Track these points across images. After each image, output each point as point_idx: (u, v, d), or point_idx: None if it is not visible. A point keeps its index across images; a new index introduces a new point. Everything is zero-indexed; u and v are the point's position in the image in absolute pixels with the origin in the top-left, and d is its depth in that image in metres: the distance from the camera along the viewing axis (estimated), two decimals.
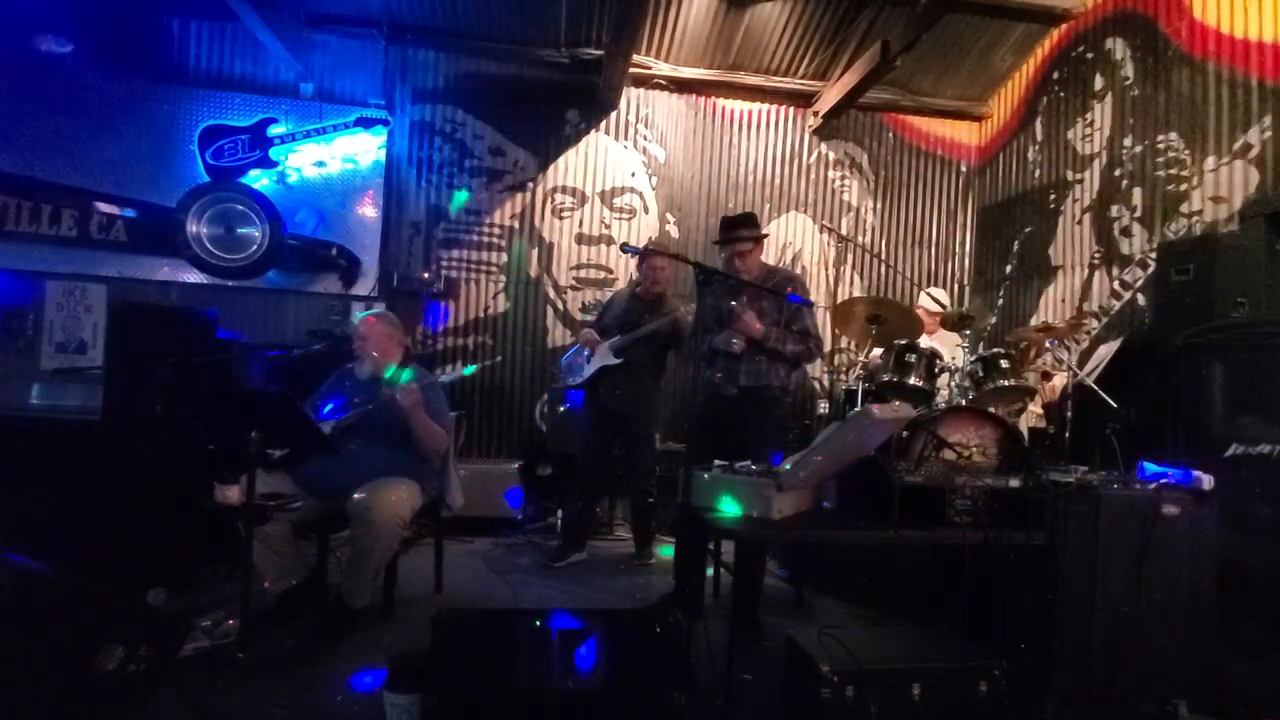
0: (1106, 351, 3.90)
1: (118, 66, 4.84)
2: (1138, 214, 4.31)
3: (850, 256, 5.82)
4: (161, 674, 2.14)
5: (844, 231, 5.73)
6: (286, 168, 4.99)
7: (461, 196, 5.28)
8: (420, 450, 2.98)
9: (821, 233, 5.72)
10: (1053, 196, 5.02)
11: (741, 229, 3.22)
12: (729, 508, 2.35)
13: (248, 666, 2.33)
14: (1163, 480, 2.42)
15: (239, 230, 4.68)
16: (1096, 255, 4.60)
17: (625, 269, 5.41)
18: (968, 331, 3.62)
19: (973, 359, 3.32)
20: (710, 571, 3.40)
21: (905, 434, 2.64)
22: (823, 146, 5.77)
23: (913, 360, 3.27)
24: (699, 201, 5.60)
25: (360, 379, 3.09)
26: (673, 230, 5.55)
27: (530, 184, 5.40)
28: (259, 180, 4.93)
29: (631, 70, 5.08)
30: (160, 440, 3.07)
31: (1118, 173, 4.47)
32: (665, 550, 4.17)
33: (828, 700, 1.99)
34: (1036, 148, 5.23)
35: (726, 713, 2.19)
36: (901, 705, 2.04)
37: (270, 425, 2.48)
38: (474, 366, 3.06)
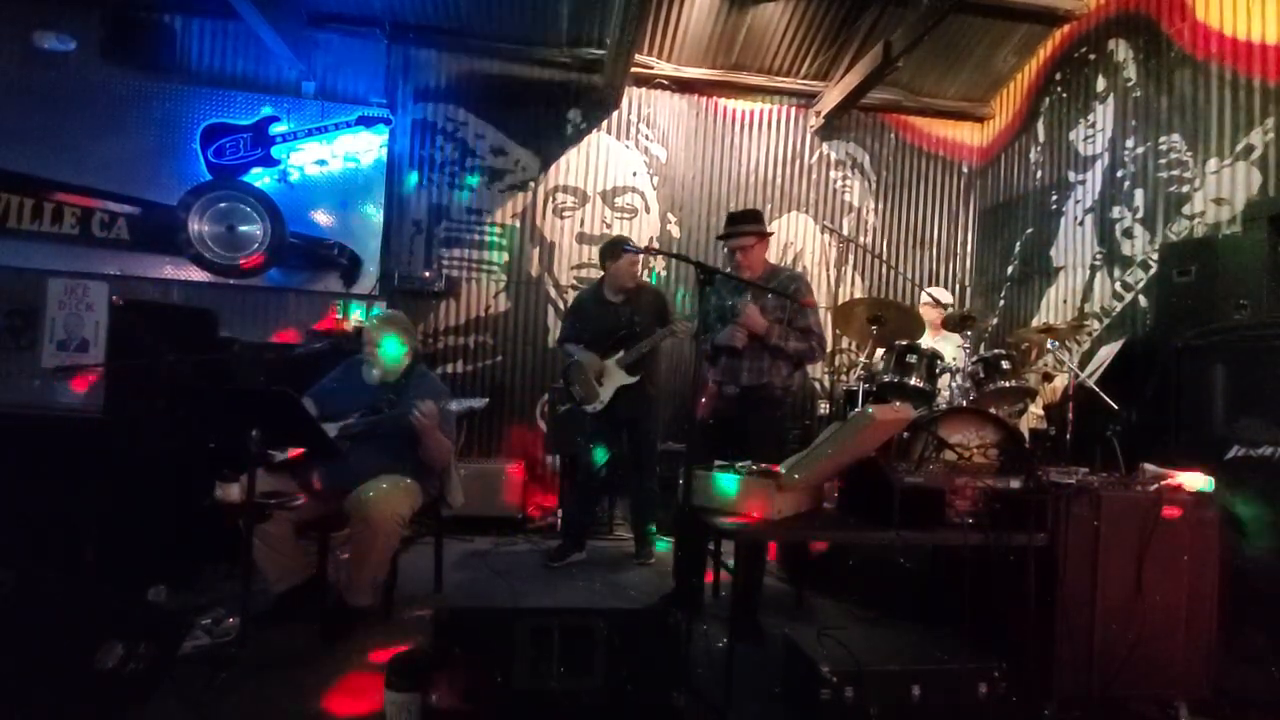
0: (1108, 353, 3.90)
1: (120, 64, 4.85)
2: (1139, 215, 4.30)
3: (852, 257, 5.82)
4: (161, 672, 2.14)
5: (845, 232, 5.72)
6: (288, 166, 4.99)
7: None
8: (426, 460, 2.98)
9: (823, 233, 5.72)
10: (1054, 197, 5.02)
11: (745, 224, 3.22)
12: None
13: (248, 664, 2.33)
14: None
15: (240, 228, 4.68)
16: (1098, 256, 4.59)
17: None
18: (969, 332, 3.62)
19: (974, 360, 3.32)
20: (710, 571, 3.40)
21: (906, 435, 2.64)
22: (824, 147, 5.76)
23: (914, 361, 3.27)
24: (700, 201, 5.60)
25: (368, 382, 3.06)
26: (674, 230, 5.55)
27: (532, 183, 5.40)
28: (261, 179, 4.93)
29: (633, 70, 5.08)
30: (161, 438, 3.07)
31: (1120, 174, 4.47)
32: (663, 545, 4.19)
33: (827, 701, 1.99)
34: (1038, 149, 5.22)
35: (726, 713, 2.19)
36: (901, 706, 2.04)
37: (272, 424, 2.48)
38: (485, 400, 3.03)
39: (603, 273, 3.97)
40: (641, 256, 3.84)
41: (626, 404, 3.88)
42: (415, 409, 2.78)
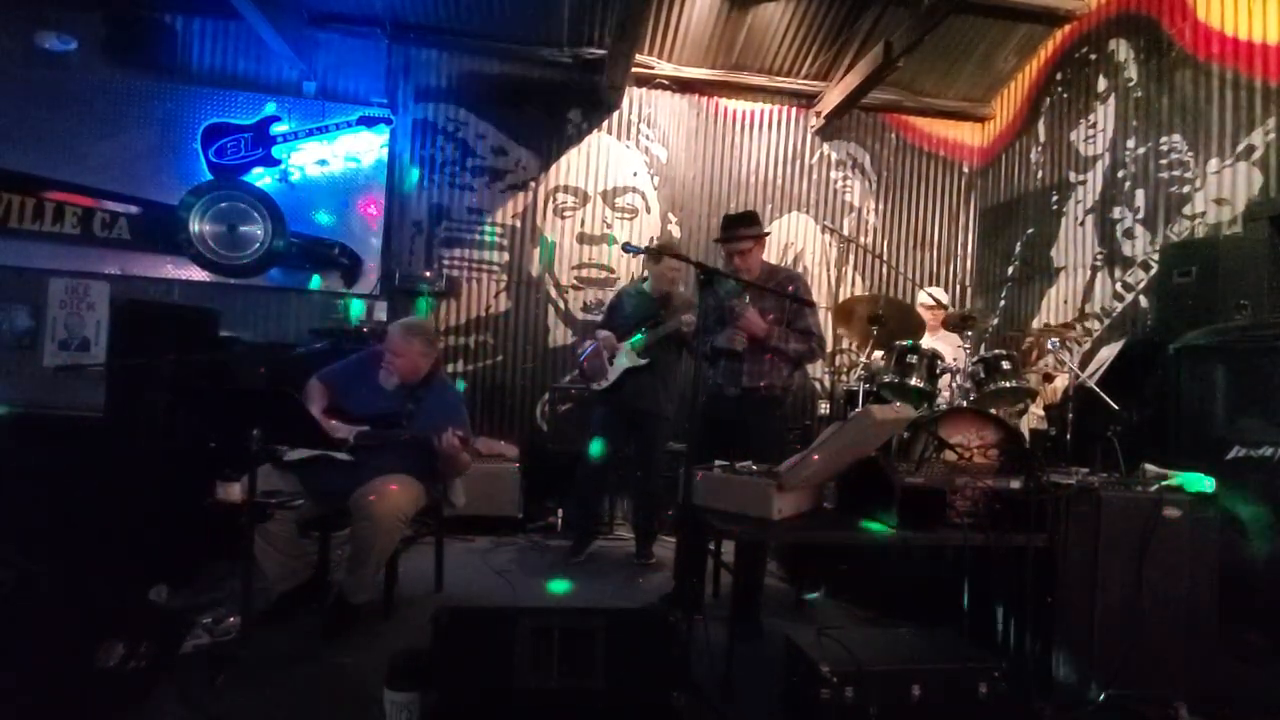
0: (1108, 353, 3.89)
1: (121, 64, 4.85)
2: (1140, 216, 4.30)
3: (852, 257, 5.81)
4: (162, 671, 2.15)
5: (846, 232, 5.72)
6: (289, 166, 4.99)
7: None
8: (445, 470, 2.99)
9: (823, 233, 5.71)
10: (1055, 198, 5.01)
11: (741, 227, 3.22)
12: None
13: (248, 664, 2.33)
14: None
15: (241, 228, 4.68)
16: (1099, 257, 4.59)
17: (626, 268, 5.41)
18: (969, 333, 3.61)
19: (974, 360, 3.32)
20: (710, 571, 3.40)
21: (906, 435, 2.64)
22: (825, 147, 5.76)
23: (914, 361, 3.27)
24: (701, 201, 5.60)
25: (385, 388, 3.03)
26: (675, 230, 5.54)
27: (532, 183, 5.40)
28: (261, 179, 4.93)
29: (634, 70, 5.08)
30: (162, 437, 3.07)
31: (1120, 174, 4.47)
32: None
33: (827, 701, 1.99)
34: (1039, 149, 5.22)
35: (726, 713, 2.20)
36: (901, 706, 2.04)
37: (273, 424, 2.47)
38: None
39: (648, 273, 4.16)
40: (683, 265, 4.00)
41: (634, 393, 3.92)
42: (439, 438, 2.76)
